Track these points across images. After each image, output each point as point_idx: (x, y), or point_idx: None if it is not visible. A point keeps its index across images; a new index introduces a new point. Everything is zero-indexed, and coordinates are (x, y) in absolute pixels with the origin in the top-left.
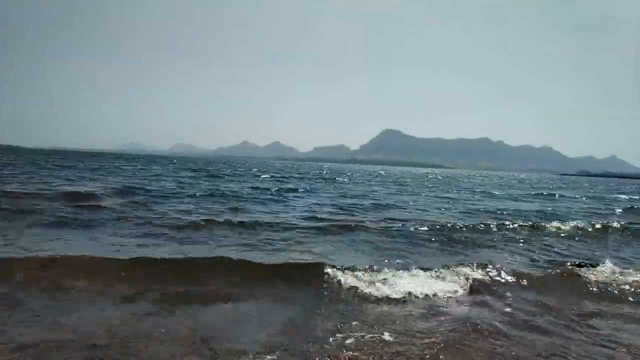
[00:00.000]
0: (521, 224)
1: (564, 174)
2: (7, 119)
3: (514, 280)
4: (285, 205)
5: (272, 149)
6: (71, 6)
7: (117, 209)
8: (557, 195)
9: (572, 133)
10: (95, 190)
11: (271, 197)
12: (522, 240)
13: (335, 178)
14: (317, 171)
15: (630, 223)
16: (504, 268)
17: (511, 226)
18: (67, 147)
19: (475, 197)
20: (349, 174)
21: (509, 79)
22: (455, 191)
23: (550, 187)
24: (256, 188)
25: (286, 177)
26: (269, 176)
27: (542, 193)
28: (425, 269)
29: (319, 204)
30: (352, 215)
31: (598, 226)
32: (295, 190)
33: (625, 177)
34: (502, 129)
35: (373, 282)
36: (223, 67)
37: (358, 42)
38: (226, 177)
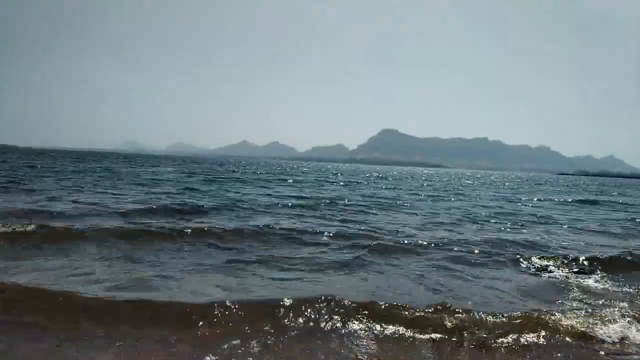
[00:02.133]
0: None
1: (562, 174)
2: (6, 118)
3: None
4: None
5: (271, 149)
6: (70, 6)
7: None
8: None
9: (571, 133)
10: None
11: None
12: None
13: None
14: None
15: None
16: None
17: None
18: (67, 147)
19: None
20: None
21: (508, 78)
22: None
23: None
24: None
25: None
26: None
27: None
28: None
29: None
30: None
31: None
32: None
33: (623, 177)
34: (500, 129)
35: None
36: (223, 66)
37: (357, 41)
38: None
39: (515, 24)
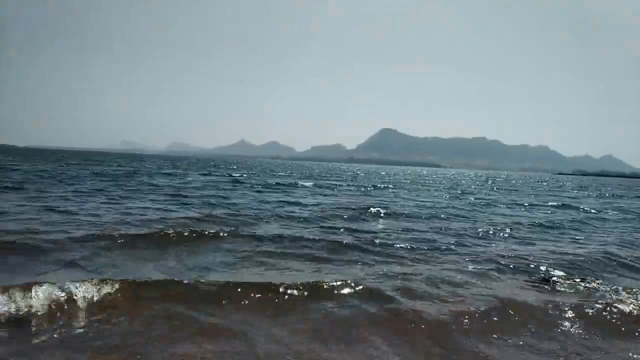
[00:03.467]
0: None
1: (560, 173)
2: (4, 118)
3: None
4: None
5: (270, 148)
6: (69, 4)
7: None
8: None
9: (569, 133)
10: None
11: None
12: None
13: None
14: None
15: None
16: None
17: None
18: (65, 147)
19: None
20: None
21: (507, 78)
22: None
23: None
24: None
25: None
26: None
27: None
28: None
29: None
30: None
31: None
32: None
33: (625, 177)
34: (499, 128)
35: None
36: (221, 66)
37: (356, 41)
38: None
39: (515, 24)
